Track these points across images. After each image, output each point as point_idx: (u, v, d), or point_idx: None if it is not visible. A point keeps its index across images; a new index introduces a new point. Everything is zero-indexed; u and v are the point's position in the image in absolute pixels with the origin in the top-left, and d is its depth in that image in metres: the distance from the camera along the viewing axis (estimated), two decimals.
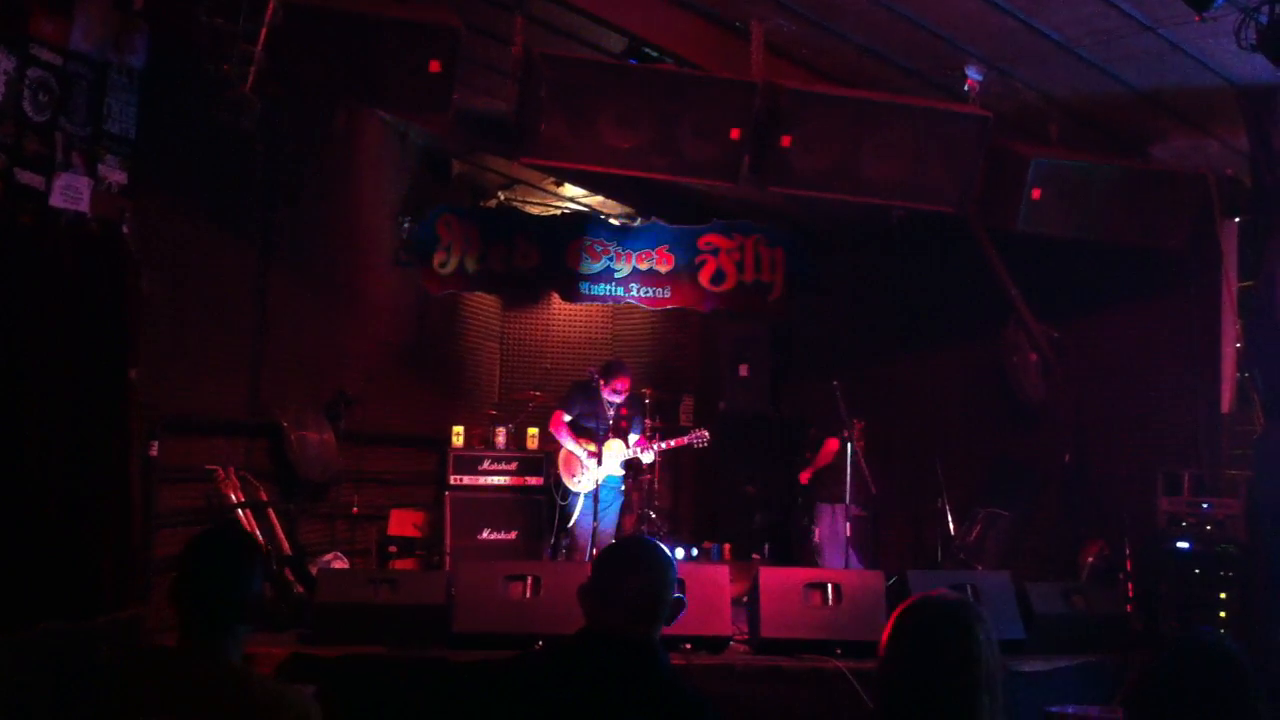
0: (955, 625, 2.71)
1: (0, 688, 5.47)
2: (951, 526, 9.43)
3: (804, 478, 10.05)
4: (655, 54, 7.47)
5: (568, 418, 9.83)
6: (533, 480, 10.78)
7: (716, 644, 7.08)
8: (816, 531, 9.84)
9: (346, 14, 6.47)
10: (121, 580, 6.52)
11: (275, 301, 8.71)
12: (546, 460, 10.64)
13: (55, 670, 5.64)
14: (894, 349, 11.12)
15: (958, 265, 10.10)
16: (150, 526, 7.06)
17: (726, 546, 10.98)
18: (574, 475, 9.82)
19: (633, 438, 9.85)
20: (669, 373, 12.38)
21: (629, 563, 3.18)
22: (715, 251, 11.09)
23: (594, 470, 9.59)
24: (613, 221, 11.39)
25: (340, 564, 8.76)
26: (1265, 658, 7.00)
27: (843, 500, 9.36)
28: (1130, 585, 8.26)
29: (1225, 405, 8.83)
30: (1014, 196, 7.78)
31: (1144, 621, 8.09)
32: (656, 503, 10.32)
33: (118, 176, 6.66)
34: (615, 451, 9.75)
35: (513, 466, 10.82)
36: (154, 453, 7.16)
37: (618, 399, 9.71)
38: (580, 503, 9.76)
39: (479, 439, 11.07)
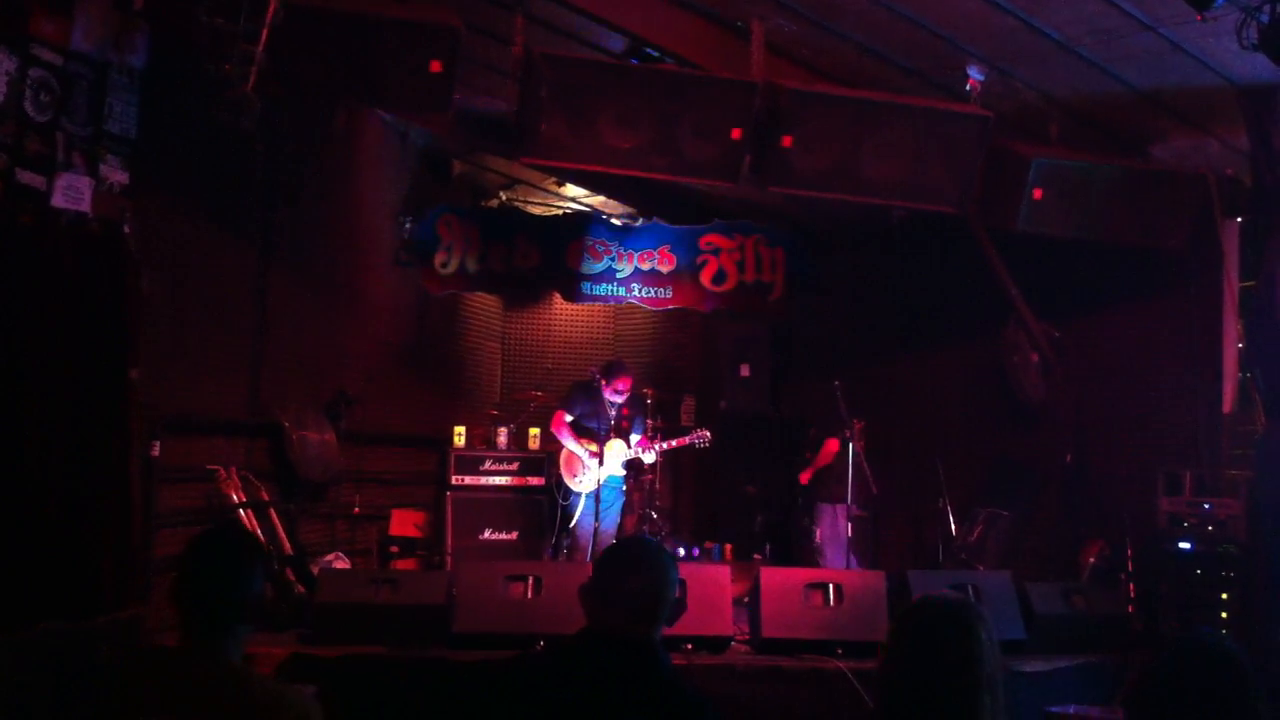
0: (956, 625, 2.71)
1: (0, 688, 5.47)
2: (953, 527, 9.42)
3: (804, 478, 10.04)
4: (656, 54, 7.47)
5: (569, 418, 9.83)
6: (534, 480, 10.78)
7: (717, 644, 7.08)
8: (818, 532, 9.83)
9: (347, 14, 6.47)
10: (121, 580, 6.52)
11: (275, 301, 8.71)
12: (548, 460, 10.64)
13: (55, 670, 5.64)
14: (894, 349, 11.12)
15: (958, 265, 10.10)
16: (150, 526, 7.06)
17: (728, 547, 10.97)
18: (575, 475, 9.82)
19: (634, 438, 9.85)
20: (670, 373, 12.38)
21: (630, 563, 3.18)
22: (716, 252, 11.09)
23: (595, 470, 9.58)
24: (614, 222, 11.38)
25: (341, 564, 8.76)
26: (1265, 658, 7.00)
27: (844, 500, 9.36)
28: (1131, 585, 8.26)
29: (1227, 405, 8.83)
30: (1015, 196, 7.78)
31: (1144, 622, 8.08)
32: (658, 503, 10.31)
33: (119, 176, 6.67)
34: (617, 451, 9.75)
35: (514, 467, 10.83)
36: (155, 453, 7.16)
37: (619, 399, 9.72)
38: (581, 503, 9.76)
39: (480, 439, 11.07)
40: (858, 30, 7.33)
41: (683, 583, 6.08)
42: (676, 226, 11.16)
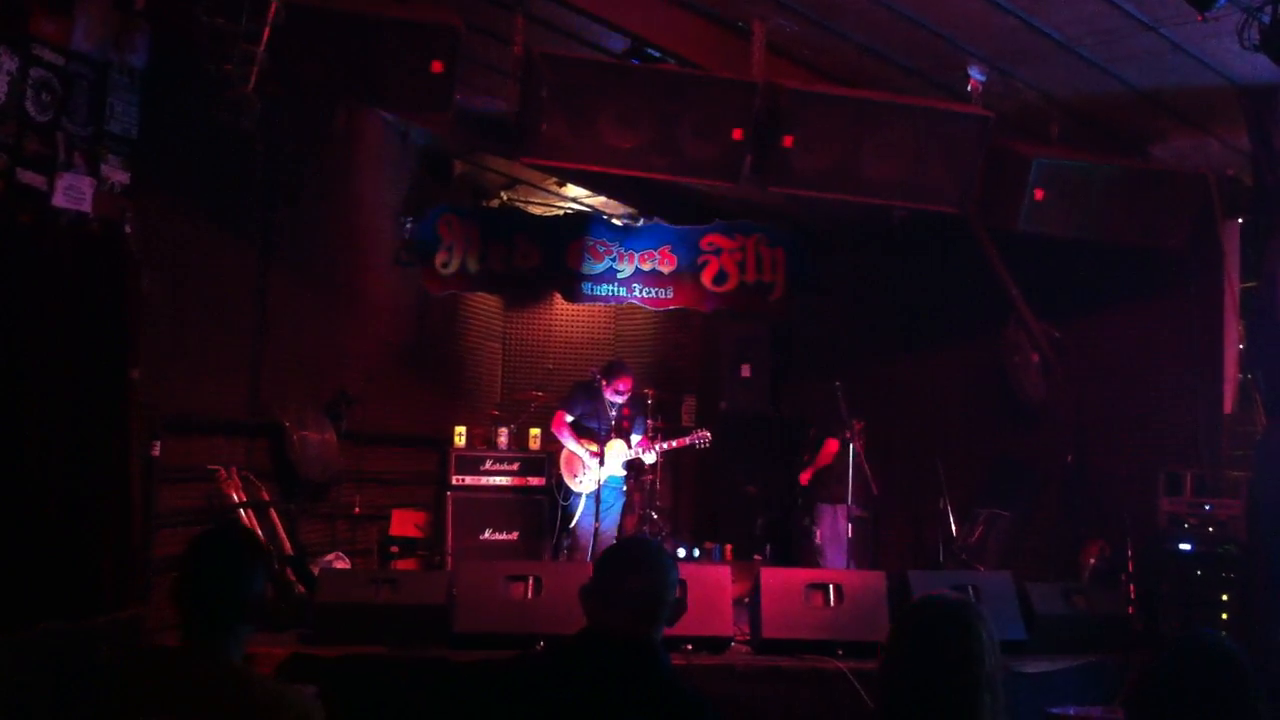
0: (957, 624, 2.71)
1: (0, 688, 5.47)
2: (953, 527, 9.42)
3: (804, 479, 10.04)
4: (657, 54, 7.47)
5: (570, 418, 9.83)
6: (534, 481, 10.78)
7: (718, 644, 7.08)
8: (818, 532, 9.83)
9: (347, 14, 6.48)
10: (121, 580, 6.52)
11: (275, 301, 8.71)
12: (548, 461, 10.64)
13: (55, 670, 5.64)
14: (894, 349, 11.12)
15: (958, 265, 10.09)
16: (151, 526, 7.06)
17: (728, 547, 10.97)
18: (576, 476, 9.82)
19: (635, 438, 9.85)
20: (671, 373, 12.38)
21: (630, 563, 3.18)
22: (717, 252, 11.08)
23: (596, 470, 9.58)
24: (615, 222, 11.37)
25: (342, 564, 8.76)
26: (1266, 658, 7.00)
27: (844, 501, 9.36)
28: (1131, 586, 8.25)
29: (1227, 406, 8.82)
30: (1015, 196, 7.77)
31: (1145, 622, 8.08)
32: (658, 503, 10.31)
33: (120, 176, 6.67)
34: (617, 452, 9.75)
35: (514, 467, 10.83)
36: (156, 453, 7.16)
37: (620, 399, 9.72)
38: (582, 503, 9.77)
39: (481, 439, 11.07)
40: (858, 30, 7.33)
41: (683, 583, 6.08)
42: (677, 227, 11.16)
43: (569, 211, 11.81)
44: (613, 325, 12.86)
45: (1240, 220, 8.85)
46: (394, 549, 9.54)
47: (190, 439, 7.79)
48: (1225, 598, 7.89)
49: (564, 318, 12.67)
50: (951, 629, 2.70)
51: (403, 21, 6.53)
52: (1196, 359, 8.95)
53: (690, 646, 6.97)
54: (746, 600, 7.70)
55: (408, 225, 10.38)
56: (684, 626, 6.62)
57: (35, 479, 6.08)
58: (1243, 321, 8.62)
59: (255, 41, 6.05)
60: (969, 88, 7.65)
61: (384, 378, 10.22)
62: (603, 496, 9.52)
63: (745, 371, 11.85)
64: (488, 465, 10.74)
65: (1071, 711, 6.64)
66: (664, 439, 10.03)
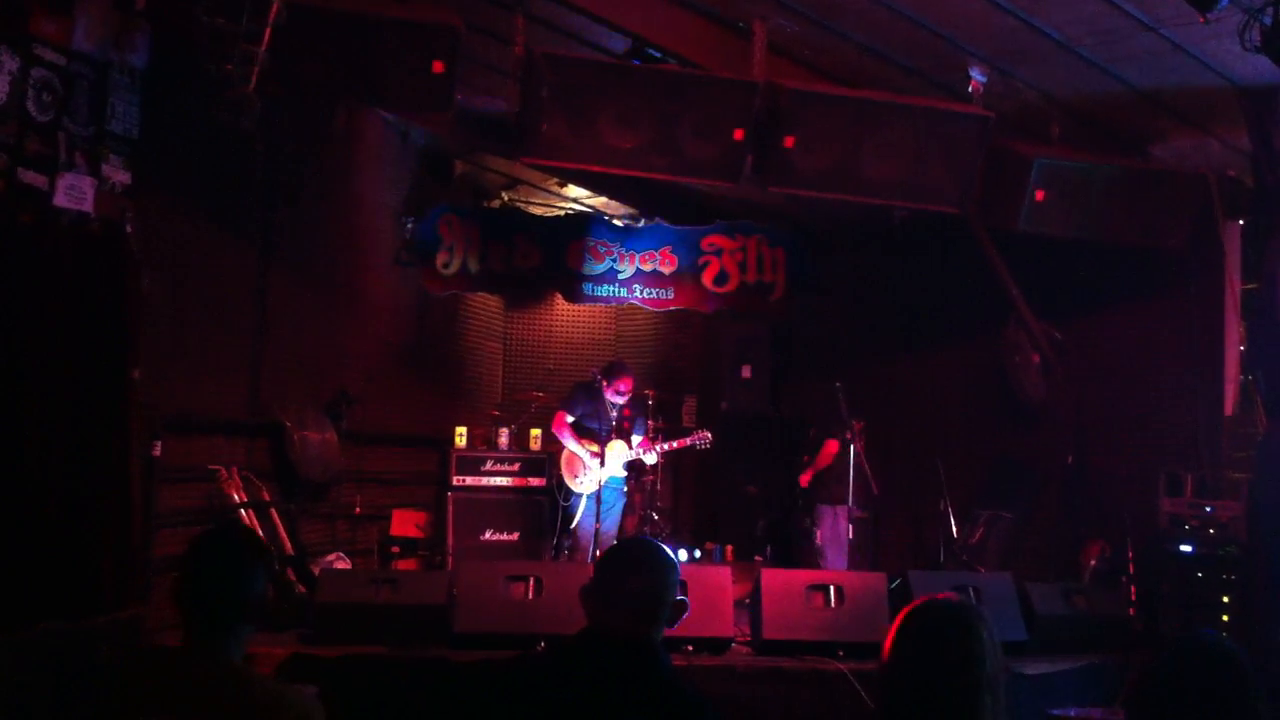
0: (958, 625, 2.71)
1: (0, 688, 5.47)
2: (954, 528, 9.42)
3: (804, 480, 10.02)
4: (659, 55, 7.46)
5: (570, 418, 9.83)
6: (535, 481, 10.77)
7: (718, 645, 7.07)
8: (818, 533, 9.82)
9: (348, 14, 6.48)
10: (121, 580, 6.52)
11: (275, 301, 8.71)
12: (549, 461, 10.63)
13: (55, 670, 5.64)
14: (894, 349, 11.12)
15: (958, 265, 10.09)
16: (151, 526, 7.06)
17: (729, 548, 10.97)
18: (576, 476, 9.82)
19: (635, 439, 9.84)
20: (672, 373, 12.39)
21: (631, 564, 3.17)
22: (718, 252, 11.09)
23: (597, 471, 9.57)
24: (616, 222, 11.38)
25: (343, 564, 8.76)
26: (1266, 658, 7.00)
27: (844, 502, 9.36)
28: (1132, 587, 8.25)
29: (1228, 407, 8.82)
30: (1016, 197, 7.77)
31: (1145, 623, 8.08)
32: (659, 504, 10.31)
33: (121, 176, 6.67)
34: (618, 452, 9.75)
35: (515, 467, 10.82)
36: (157, 453, 7.16)
37: (621, 400, 9.72)
38: (583, 504, 9.76)
39: (481, 439, 11.06)
40: (858, 30, 7.33)
41: (684, 584, 6.07)
42: (678, 227, 11.16)
43: (570, 212, 11.82)
44: (614, 326, 12.86)
45: (1242, 222, 8.85)
46: (395, 549, 9.54)
47: (191, 439, 7.79)
48: (1226, 599, 7.90)
49: (565, 318, 12.67)
50: (953, 630, 2.70)
51: (403, 21, 6.53)
52: (1197, 359, 8.95)
53: (691, 647, 6.97)
54: (747, 601, 7.70)
55: (408, 225, 10.38)
56: (685, 627, 6.54)
57: (35, 479, 6.08)
58: (1244, 322, 8.61)
59: (256, 41, 6.05)
60: (970, 88, 7.65)
61: (384, 378, 10.22)
62: (603, 497, 9.51)
63: (746, 372, 11.85)
64: (488, 466, 10.73)
65: (1072, 713, 6.64)
66: (665, 440, 10.02)
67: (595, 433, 9.64)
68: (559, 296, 11.76)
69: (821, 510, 9.83)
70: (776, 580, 7.40)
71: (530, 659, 3.37)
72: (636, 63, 7.44)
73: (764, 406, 11.84)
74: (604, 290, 11.01)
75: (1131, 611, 8.17)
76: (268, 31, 6.05)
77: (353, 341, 9.89)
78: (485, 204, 11.80)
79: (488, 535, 10.58)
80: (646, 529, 10.06)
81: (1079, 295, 9.63)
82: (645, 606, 3.08)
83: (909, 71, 7.81)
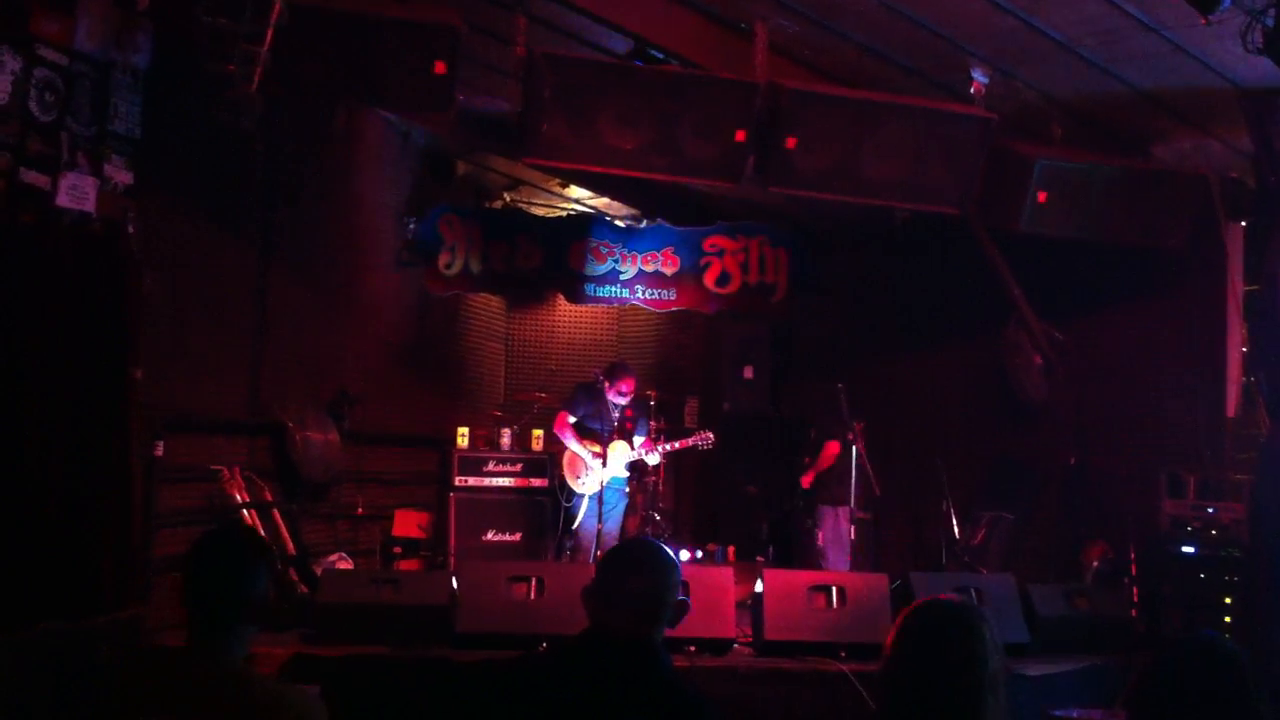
0: (960, 625, 2.71)
1: (0, 688, 5.47)
2: (956, 529, 9.41)
3: (806, 482, 10.01)
4: (660, 56, 7.46)
5: (572, 419, 9.83)
6: (537, 482, 10.76)
7: (720, 646, 7.07)
8: (819, 534, 9.81)
9: (349, 14, 6.48)
10: (121, 580, 6.51)
11: (276, 301, 8.71)
12: (551, 462, 10.62)
13: (55, 670, 5.64)
14: (894, 349, 11.11)
15: (958, 265, 10.08)
16: (151, 526, 7.06)
17: (731, 549, 10.97)
18: (578, 477, 9.82)
19: (637, 439, 9.84)
20: (673, 374, 12.37)
21: (633, 564, 3.18)
22: (720, 253, 11.10)
23: (598, 472, 9.57)
24: (618, 223, 11.39)
25: (345, 564, 8.76)
26: (1268, 660, 7.00)
27: (846, 503, 9.35)
28: (1134, 588, 8.25)
29: (1231, 408, 8.80)
30: (1017, 197, 7.77)
31: (1147, 624, 8.07)
32: (660, 504, 10.31)
33: (123, 177, 6.67)
34: (620, 453, 9.75)
35: (517, 468, 10.81)
36: (159, 453, 7.16)
37: (622, 401, 9.72)
38: (585, 504, 9.76)
39: (483, 440, 11.05)
40: (859, 30, 7.33)
41: (686, 584, 6.07)
42: (680, 228, 11.16)
43: (572, 213, 11.81)
44: (616, 327, 12.86)
45: (1244, 223, 8.84)
46: (397, 549, 9.54)
47: (192, 439, 7.79)
48: (1228, 600, 7.89)
49: (567, 319, 12.66)
50: (954, 631, 2.70)
51: (403, 21, 6.54)
52: (1198, 361, 8.94)
53: (693, 648, 6.96)
54: (749, 602, 7.69)
55: (410, 226, 10.38)
56: (686, 628, 6.55)
57: (35, 479, 6.08)
58: (1246, 324, 8.60)
59: (257, 42, 6.05)
60: (972, 89, 7.66)
61: (385, 378, 10.23)
62: (605, 498, 9.51)
63: (748, 373, 11.85)
64: (490, 466, 10.72)
65: (1074, 714, 6.62)
66: (667, 440, 10.03)
67: (597, 433, 9.64)
68: (561, 297, 11.76)
69: (823, 511, 9.82)
70: (778, 581, 7.39)
71: (531, 659, 3.37)
72: (638, 63, 7.45)
73: (765, 407, 11.84)
74: (606, 291, 11.02)
75: (1133, 613, 8.17)
76: (270, 32, 6.05)
77: (354, 341, 9.89)
78: (487, 204, 11.80)
79: (490, 536, 10.57)
80: (648, 530, 10.06)
81: (1080, 295, 9.61)
82: (646, 607, 3.08)
83: (910, 72, 7.81)
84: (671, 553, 3.25)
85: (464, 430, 10.89)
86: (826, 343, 11.67)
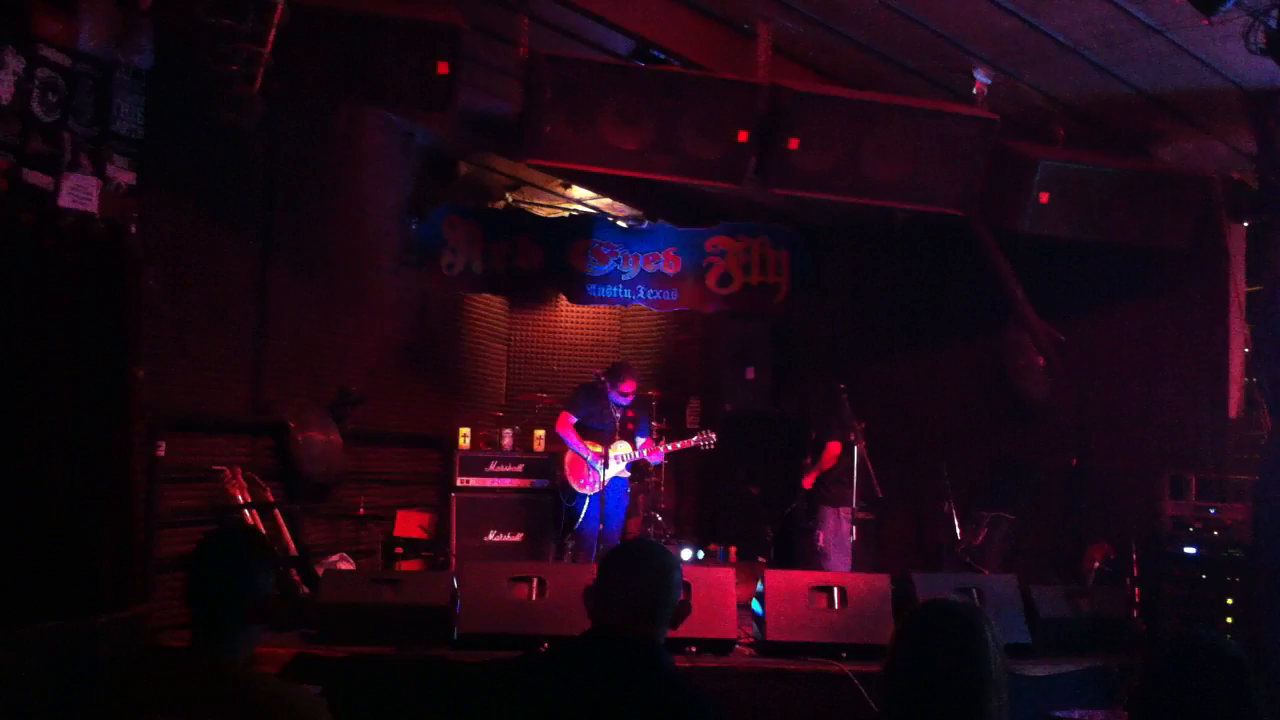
0: (962, 628, 2.71)
1: (0, 688, 5.47)
2: (957, 530, 9.41)
3: (808, 483, 10.01)
4: (662, 57, 7.46)
5: (574, 419, 9.83)
6: (539, 482, 10.75)
7: (721, 646, 7.07)
8: (820, 535, 9.81)
9: (350, 13, 6.48)
10: (122, 580, 6.50)
11: (277, 301, 8.71)
12: (553, 462, 10.62)
13: (55, 670, 5.64)
14: (895, 349, 11.12)
15: (958, 265, 10.08)
16: (153, 525, 7.06)
17: (732, 549, 10.96)
18: (580, 477, 9.82)
19: (639, 440, 9.85)
20: (675, 374, 12.37)
21: (633, 564, 3.19)
22: (723, 254, 11.10)
23: (600, 472, 9.58)
24: (620, 223, 11.39)
25: (346, 565, 8.75)
26: (1268, 660, 7.00)
27: (847, 503, 9.35)
28: (1136, 589, 8.24)
29: (1233, 409, 8.79)
30: (1019, 198, 7.77)
31: (1148, 625, 8.07)
32: (662, 505, 10.31)
33: (125, 177, 6.67)
34: (622, 453, 9.75)
35: (519, 468, 10.79)
36: (161, 452, 7.16)
37: (624, 401, 9.72)
38: (586, 505, 9.76)
39: (485, 440, 11.05)
40: (861, 31, 7.32)
41: (687, 585, 6.07)
42: (682, 229, 11.16)
43: (573, 213, 11.81)
44: (618, 327, 12.86)
45: (1246, 224, 8.83)
46: (398, 549, 9.54)
47: (194, 438, 7.79)
48: (1230, 601, 7.88)
49: (569, 319, 12.66)
50: (956, 632, 2.70)
51: (405, 21, 6.53)
52: (1200, 361, 8.93)
53: (694, 649, 6.97)
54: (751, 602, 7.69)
55: (413, 226, 10.38)
56: (688, 629, 6.57)
57: (36, 478, 6.07)
58: (1248, 325, 8.60)
59: (259, 42, 6.05)
60: (974, 90, 7.66)
61: (387, 378, 10.22)
62: (607, 498, 9.51)
63: (750, 373, 11.85)
64: (492, 466, 10.71)
65: (1075, 714, 6.63)
66: (669, 440, 10.03)
67: (599, 434, 9.65)
68: (563, 297, 11.76)
69: (824, 511, 9.82)
70: (780, 582, 7.39)
71: (532, 659, 3.37)
72: (640, 63, 7.45)
73: (767, 407, 11.84)
74: (608, 291, 11.02)
75: (1135, 613, 8.16)
76: (272, 32, 6.05)
77: (355, 342, 9.88)
78: (489, 205, 11.80)
79: (491, 536, 10.56)
80: (650, 530, 10.07)
81: (1081, 296, 9.61)
82: (647, 606, 3.09)
83: (911, 72, 7.80)
84: (673, 553, 3.26)
85: (465, 430, 10.88)
86: (827, 343, 11.67)
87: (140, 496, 6.84)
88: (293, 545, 8.15)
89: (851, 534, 9.39)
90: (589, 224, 11.20)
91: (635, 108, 7.19)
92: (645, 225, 11.29)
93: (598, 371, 9.90)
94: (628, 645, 3.03)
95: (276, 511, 8.21)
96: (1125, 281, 9.26)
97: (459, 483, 10.57)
